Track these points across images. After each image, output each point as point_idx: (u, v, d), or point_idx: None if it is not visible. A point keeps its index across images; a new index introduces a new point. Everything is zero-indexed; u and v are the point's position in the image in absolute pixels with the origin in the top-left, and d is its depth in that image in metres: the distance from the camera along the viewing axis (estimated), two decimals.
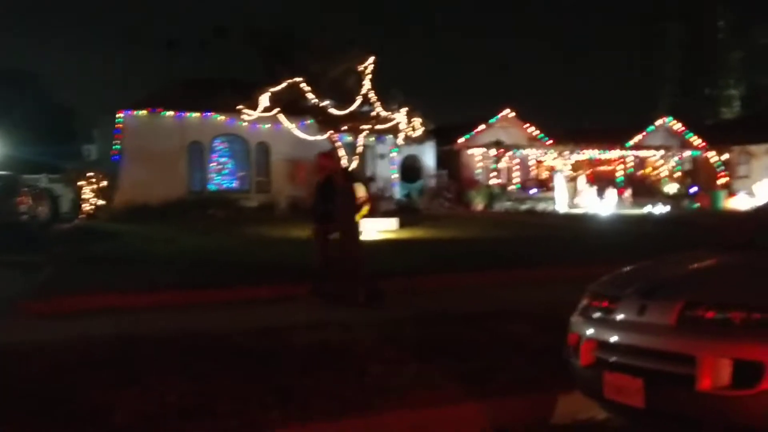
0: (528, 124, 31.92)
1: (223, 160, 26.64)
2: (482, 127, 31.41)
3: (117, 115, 24.78)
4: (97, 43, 66.01)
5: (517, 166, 31.75)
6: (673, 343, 3.58)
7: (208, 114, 25.33)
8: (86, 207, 25.08)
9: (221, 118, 25.24)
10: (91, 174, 25.50)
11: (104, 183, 25.02)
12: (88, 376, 5.21)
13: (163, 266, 11.44)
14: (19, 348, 6.10)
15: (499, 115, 31.69)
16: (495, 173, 30.67)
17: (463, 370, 5.27)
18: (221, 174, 26.55)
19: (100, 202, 24.82)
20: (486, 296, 9.06)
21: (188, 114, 25.24)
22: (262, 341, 6.32)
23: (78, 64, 62.82)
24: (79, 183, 25.68)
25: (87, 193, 25.19)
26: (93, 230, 18.68)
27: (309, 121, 24.53)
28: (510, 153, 31.08)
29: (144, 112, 24.88)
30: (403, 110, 23.72)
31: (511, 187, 30.74)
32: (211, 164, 26.24)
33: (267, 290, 9.31)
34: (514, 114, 31.82)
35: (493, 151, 30.62)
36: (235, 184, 26.62)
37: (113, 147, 25.10)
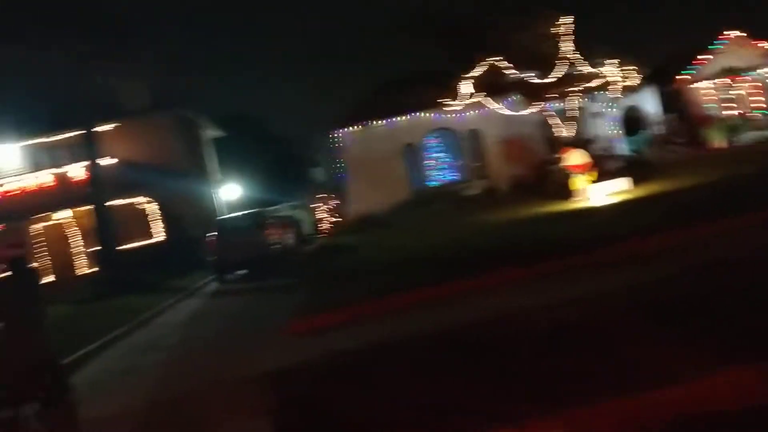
0: (760, 41, 28.15)
1: (437, 155, 27.10)
2: (704, 57, 28.36)
3: (333, 136, 26.38)
4: (288, 73, 70.72)
5: (756, 90, 28.13)
6: None
7: (416, 114, 25.94)
8: (323, 226, 27.01)
9: (428, 115, 25.72)
10: (323, 195, 27.44)
11: (336, 201, 26.76)
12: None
13: (408, 269, 11.74)
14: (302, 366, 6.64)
15: (723, 39, 28.37)
16: (729, 104, 27.49)
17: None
18: (439, 169, 27.03)
19: (335, 219, 26.57)
20: (749, 243, 8.06)
21: (397, 118, 26.07)
22: None
23: (282, 96, 68.07)
24: (314, 205, 27.75)
25: (322, 213, 27.14)
26: (333, 247, 19.93)
27: (514, 97, 24.04)
28: (744, 76, 27.66)
29: (357, 127, 26.18)
30: (612, 62, 22.27)
31: (752, 115, 27.34)
32: (428, 161, 26.82)
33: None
34: (740, 33, 28.28)
35: (722, 80, 27.49)
36: (453, 176, 26.93)
37: (337, 166, 26.74)
